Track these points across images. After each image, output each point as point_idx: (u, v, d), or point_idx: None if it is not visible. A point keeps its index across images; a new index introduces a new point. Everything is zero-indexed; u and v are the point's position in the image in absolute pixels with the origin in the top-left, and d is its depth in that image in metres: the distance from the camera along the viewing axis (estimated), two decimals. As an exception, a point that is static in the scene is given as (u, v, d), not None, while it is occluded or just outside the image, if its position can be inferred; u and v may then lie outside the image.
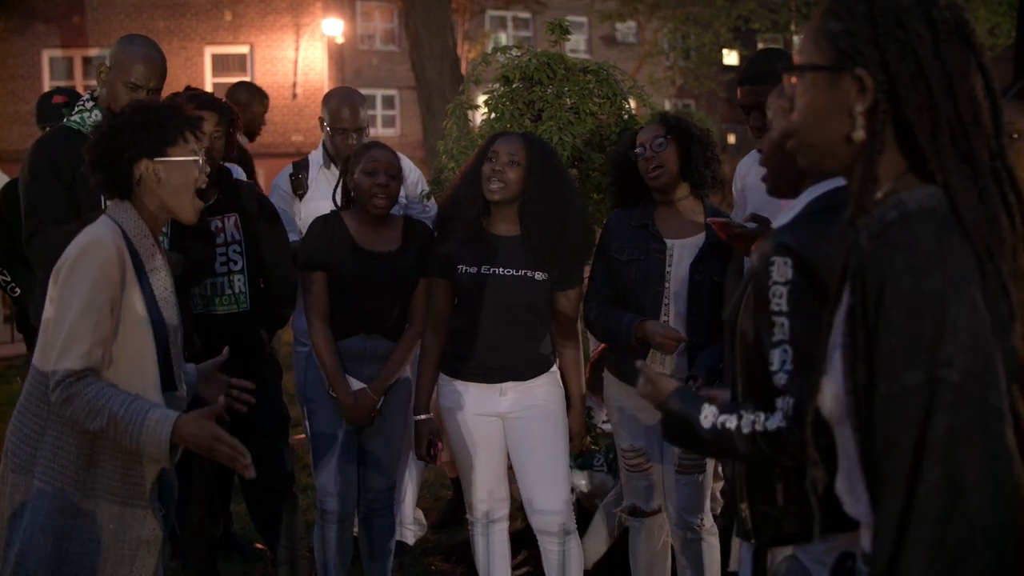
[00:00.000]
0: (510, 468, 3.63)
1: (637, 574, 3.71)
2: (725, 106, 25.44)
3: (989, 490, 1.30)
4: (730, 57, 26.57)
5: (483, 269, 3.45)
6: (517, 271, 3.44)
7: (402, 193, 3.84)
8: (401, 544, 4.17)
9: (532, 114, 3.99)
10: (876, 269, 1.38)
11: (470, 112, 4.21)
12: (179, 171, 2.58)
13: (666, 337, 3.28)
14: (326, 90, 4.75)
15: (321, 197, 4.14)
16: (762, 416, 1.88)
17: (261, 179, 5.64)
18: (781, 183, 2.17)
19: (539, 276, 3.45)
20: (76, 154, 2.84)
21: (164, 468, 2.55)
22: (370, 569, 3.80)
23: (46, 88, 17.95)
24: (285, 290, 3.82)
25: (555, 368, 3.59)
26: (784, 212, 2.09)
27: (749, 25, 22.44)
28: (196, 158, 2.60)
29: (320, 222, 3.72)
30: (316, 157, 4.41)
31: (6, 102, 20.43)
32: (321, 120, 4.37)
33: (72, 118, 3.67)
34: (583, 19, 25.66)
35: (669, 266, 3.45)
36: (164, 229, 3.11)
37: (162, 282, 2.61)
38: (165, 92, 3.70)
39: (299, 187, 4.34)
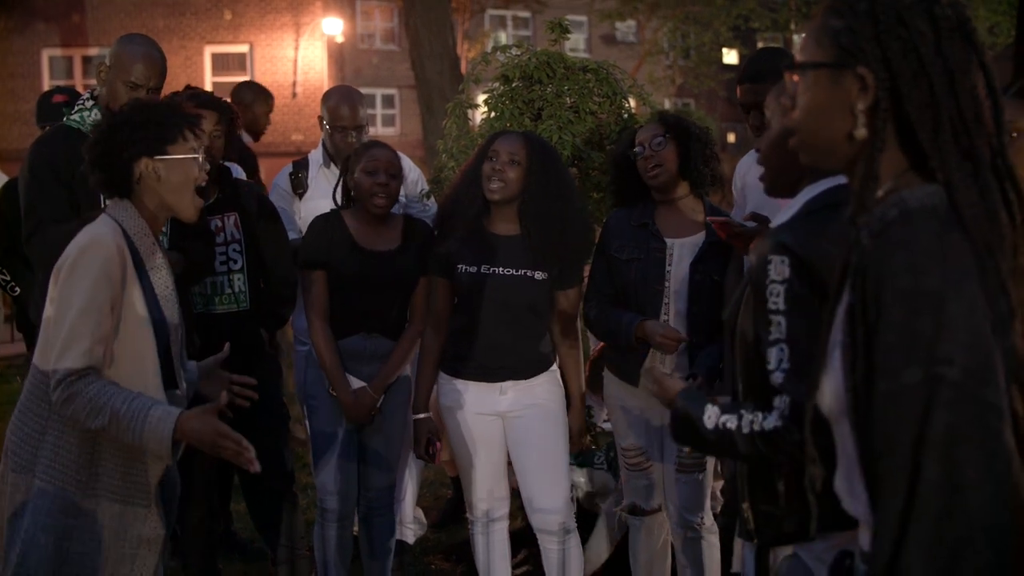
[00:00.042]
0: (510, 464, 3.63)
1: (637, 573, 3.71)
2: (725, 105, 25.43)
3: (988, 488, 1.30)
4: (730, 56, 26.56)
5: (483, 268, 3.45)
6: (517, 271, 3.44)
7: (402, 192, 3.84)
8: (401, 543, 4.17)
9: (532, 113, 3.99)
10: (876, 267, 1.38)
11: (470, 111, 4.21)
12: (179, 169, 2.58)
13: (666, 337, 3.28)
14: (326, 89, 4.74)
15: (321, 196, 4.14)
16: (760, 416, 1.88)
17: (263, 178, 5.64)
18: (778, 182, 2.17)
19: (539, 276, 3.45)
20: (76, 153, 2.84)
21: (167, 466, 2.55)
22: (370, 568, 3.80)
23: (46, 87, 17.97)
24: (285, 289, 3.82)
25: (555, 367, 3.59)
26: (783, 211, 2.09)
27: (749, 24, 22.44)
28: (196, 156, 2.60)
29: (320, 221, 3.72)
30: (316, 156, 4.41)
31: (6, 101, 20.43)
32: (320, 119, 4.37)
33: (72, 117, 3.67)
34: (583, 18, 25.66)
35: (669, 265, 3.45)
36: (164, 228, 3.11)
37: (162, 281, 2.61)
38: (165, 91, 3.70)
39: (299, 186, 4.34)
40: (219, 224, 3.71)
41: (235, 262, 3.72)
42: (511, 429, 3.53)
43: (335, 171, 4.14)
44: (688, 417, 1.99)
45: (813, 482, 1.63)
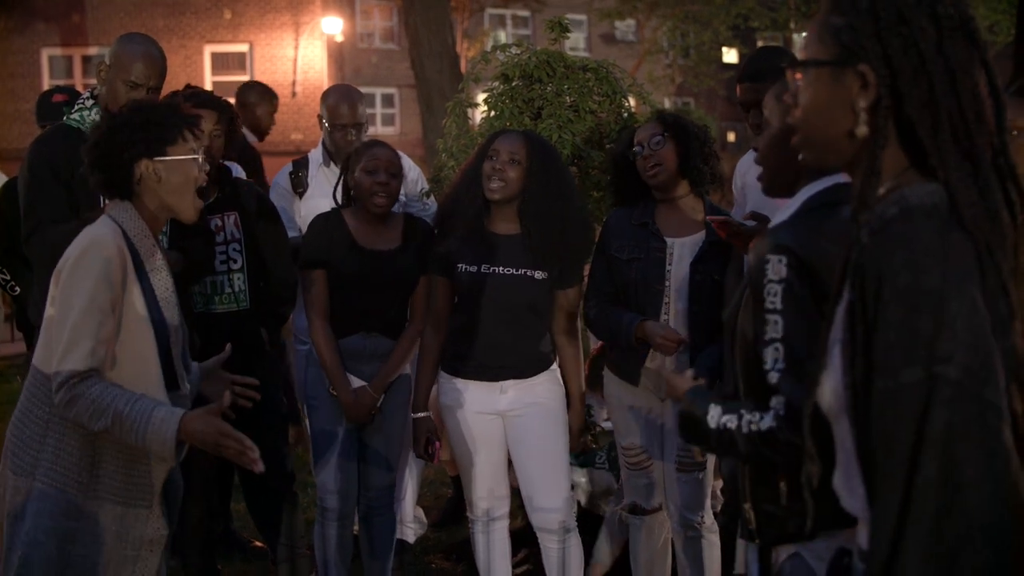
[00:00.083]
0: (510, 463, 3.63)
1: (638, 572, 3.71)
2: (725, 104, 25.43)
3: (987, 487, 1.30)
4: (729, 55, 26.56)
5: (483, 268, 3.45)
6: (517, 270, 3.44)
7: (402, 191, 3.84)
8: (401, 542, 4.16)
9: (532, 112, 3.99)
10: (875, 265, 1.38)
11: (470, 110, 4.20)
12: (179, 170, 2.57)
13: (666, 338, 3.28)
14: (325, 88, 4.74)
15: (321, 195, 4.14)
16: (757, 416, 1.88)
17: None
18: (776, 182, 2.16)
19: (539, 275, 3.45)
20: (75, 153, 2.83)
21: (171, 466, 2.55)
22: (370, 567, 3.80)
23: (45, 87, 17.96)
24: (284, 289, 3.82)
25: (555, 366, 3.59)
26: (781, 210, 2.09)
27: (748, 23, 22.45)
28: (196, 156, 2.60)
29: (320, 220, 3.72)
30: (316, 155, 4.41)
31: (6, 100, 20.42)
32: (320, 117, 4.37)
33: (72, 116, 3.66)
34: (582, 17, 25.66)
35: (669, 265, 3.44)
36: (163, 228, 3.11)
37: (163, 282, 2.61)
38: (165, 90, 3.69)
39: (299, 185, 4.34)
40: (219, 223, 3.71)
41: (235, 261, 3.72)
42: (511, 428, 3.53)
43: (335, 170, 4.14)
44: (693, 416, 1.99)
45: (810, 479, 1.62)
